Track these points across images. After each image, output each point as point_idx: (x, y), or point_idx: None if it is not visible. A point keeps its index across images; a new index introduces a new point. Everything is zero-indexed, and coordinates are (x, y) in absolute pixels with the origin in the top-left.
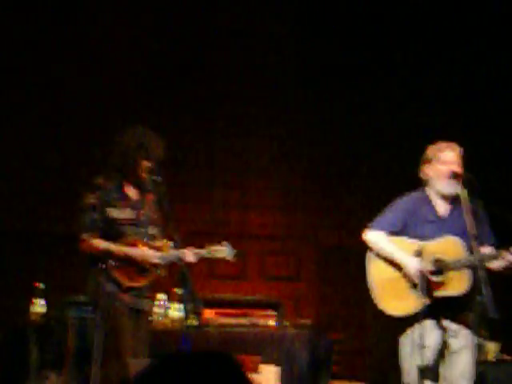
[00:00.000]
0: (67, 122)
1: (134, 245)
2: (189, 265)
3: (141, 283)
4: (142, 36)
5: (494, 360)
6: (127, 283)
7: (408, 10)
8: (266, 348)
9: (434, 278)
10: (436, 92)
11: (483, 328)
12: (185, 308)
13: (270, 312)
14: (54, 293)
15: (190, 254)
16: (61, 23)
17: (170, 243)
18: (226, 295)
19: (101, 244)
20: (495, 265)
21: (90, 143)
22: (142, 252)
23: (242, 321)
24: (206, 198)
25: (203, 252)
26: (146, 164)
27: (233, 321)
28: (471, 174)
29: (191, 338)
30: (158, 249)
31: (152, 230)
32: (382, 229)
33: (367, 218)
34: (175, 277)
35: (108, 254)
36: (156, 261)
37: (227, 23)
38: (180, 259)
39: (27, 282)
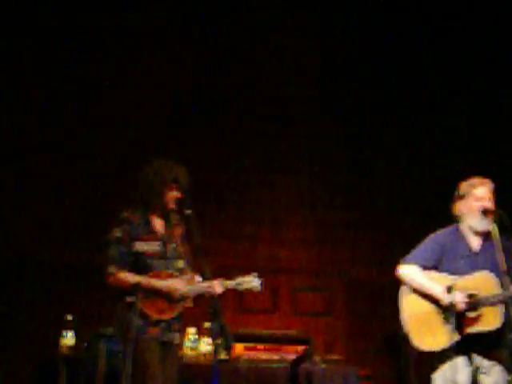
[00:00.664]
0: (96, 154)
1: (161, 278)
2: (219, 298)
3: (169, 316)
4: (169, 68)
5: None
6: (155, 316)
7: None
8: None
9: (467, 313)
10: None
11: None
12: (214, 342)
13: (301, 347)
14: (84, 325)
15: (217, 285)
16: (94, 55)
17: (198, 276)
18: (256, 330)
19: (128, 277)
20: None
21: (118, 175)
22: (170, 283)
23: (272, 356)
24: (236, 232)
25: (231, 283)
26: (172, 196)
27: (263, 356)
28: (502, 210)
29: (221, 372)
30: (185, 281)
31: (180, 264)
32: (415, 263)
33: (398, 254)
34: (206, 310)
35: (135, 287)
36: (183, 291)
37: (254, 57)
38: (208, 290)
39: (57, 314)
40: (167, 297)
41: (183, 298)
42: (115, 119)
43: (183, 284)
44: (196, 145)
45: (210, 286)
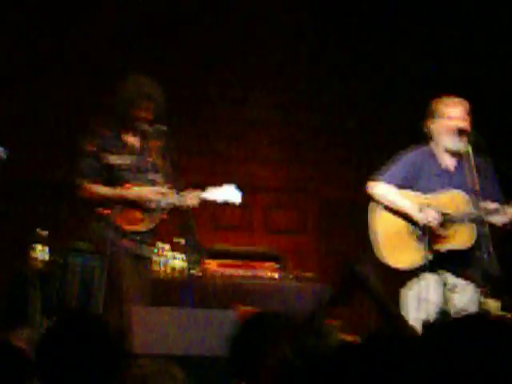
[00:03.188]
0: (66, 69)
1: (135, 191)
2: (192, 213)
3: (142, 227)
4: None
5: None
6: (128, 227)
7: None
8: (268, 301)
9: (439, 231)
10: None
11: (484, 284)
12: (188, 258)
13: (274, 264)
14: (57, 240)
15: (189, 197)
16: None
17: (172, 189)
18: (229, 246)
19: (98, 189)
20: (498, 220)
21: (89, 91)
22: (141, 192)
23: (246, 273)
24: (207, 149)
25: (204, 193)
26: (146, 110)
27: (236, 272)
28: (477, 131)
29: (194, 288)
30: (159, 192)
31: (153, 176)
32: (387, 181)
33: (371, 172)
34: (178, 226)
35: (107, 199)
36: (158, 199)
37: None
38: (180, 202)
39: (30, 230)
40: (141, 208)
41: (157, 208)
42: (91, 33)
43: (156, 194)
44: (169, 62)
45: (183, 199)
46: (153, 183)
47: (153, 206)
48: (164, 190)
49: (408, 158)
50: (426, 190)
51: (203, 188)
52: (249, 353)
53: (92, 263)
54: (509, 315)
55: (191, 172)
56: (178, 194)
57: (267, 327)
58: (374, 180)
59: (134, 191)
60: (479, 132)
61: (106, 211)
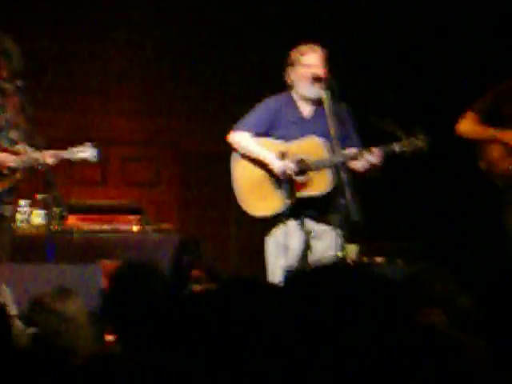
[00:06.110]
0: None
1: None
2: (51, 169)
3: (2, 187)
4: None
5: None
6: None
7: None
8: (128, 253)
9: (297, 178)
10: None
11: (344, 230)
12: (49, 212)
13: (133, 217)
14: None
15: (48, 156)
16: None
17: (28, 147)
18: (88, 201)
19: None
20: (357, 166)
21: None
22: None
23: (105, 226)
24: (66, 103)
25: (63, 153)
26: (5, 69)
27: (96, 226)
28: (334, 77)
29: (55, 244)
30: (15, 153)
31: (12, 134)
32: (246, 129)
33: (229, 122)
34: (39, 182)
35: None
36: (11, 164)
37: None
38: (38, 161)
39: None
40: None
41: (13, 170)
42: None
43: (12, 157)
44: (29, 16)
45: (40, 157)
46: (12, 141)
47: (4, 171)
48: (20, 148)
49: (266, 105)
50: (284, 138)
51: (60, 143)
52: (121, 305)
53: None
54: (365, 259)
55: (51, 127)
56: (37, 151)
57: (136, 277)
58: (234, 129)
59: None
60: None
61: None
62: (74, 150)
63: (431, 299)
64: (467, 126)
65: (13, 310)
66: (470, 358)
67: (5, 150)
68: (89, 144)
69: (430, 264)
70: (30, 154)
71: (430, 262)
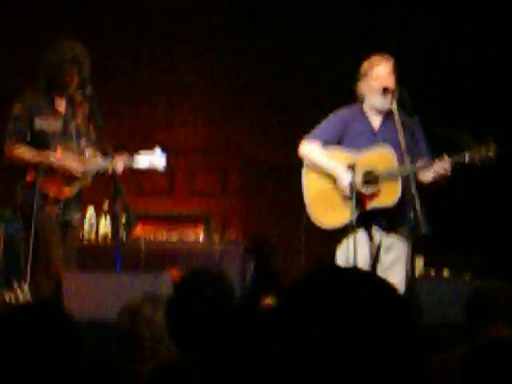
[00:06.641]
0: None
1: (60, 156)
2: (120, 177)
3: (67, 194)
4: None
5: (421, 274)
6: (53, 195)
7: None
8: (194, 263)
9: (364, 190)
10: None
11: (411, 241)
12: (118, 222)
13: (200, 227)
14: None
15: (118, 162)
16: None
17: (98, 154)
18: (154, 211)
19: (25, 153)
20: (427, 177)
21: (22, 55)
22: (68, 162)
23: (172, 236)
24: (133, 113)
25: (132, 159)
26: (72, 74)
27: (162, 236)
28: (403, 88)
29: (122, 253)
30: (84, 160)
31: (82, 142)
32: (316, 139)
33: (299, 134)
34: (108, 190)
35: (32, 164)
36: (80, 171)
37: None
38: (107, 168)
39: None
40: (66, 175)
41: (82, 176)
42: None
43: (81, 163)
44: (95, 27)
45: (110, 164)
46: (79, 148)
47: (75, 173)
48: (88, 155)
49: (337, 116)
50: (353, 149)
51: (128, 151)
52: (185, 314)
53: (16, 229)
54: (432, 272)
55: (117, 137)
56: (105, 158)
57: (201, 286)
58: (304, 139)
59: (56, 158)
60: (406, 89)
61: (31, 177)
62: (142, 157)
63: (497, 314)
64: None
65: None
66: None
67: (72, 156)
68: (158, 149)
69: (496, 279)
70: (100, 161)
71: (496, 276)
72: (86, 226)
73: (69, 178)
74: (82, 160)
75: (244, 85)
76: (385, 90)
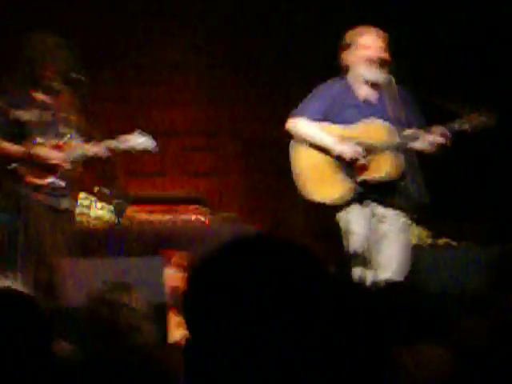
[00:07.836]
0: None
1: (44, 146)
2: (112, 162)
3: (53, 182)
4: None
5: (428, 245)
6: (36, 182)
7: None
8: (194, 243)
9: (360, 161)
10: None
11: (413, 213)
12: (113, 206)
13: (197, 207)
14: None
15: (95, 147)
16: None
17: (77, 141)
18: (148, 192)
19: (6, 146)
20: (422, 146)
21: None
22: (40, 151)
23: (170, 217)
24: (127, 95)
25: (111, 142)
26: (53, 66)
27: (161, 218)
28: (396, 60)
29: (120, 237)
30: (62, 147)
31: (63, 129)
32: (305, 115)
33: (285, 109)
34: (99, 174)
35: (11, 155)
36: (55, 161)
37: None
38: (96, 153)
39: None
40: (48, 164)
41: (65, 163)
42: None
43: (56, 153)
44: (79, 11)
45: (86, 150)
46: (62, 136)
47: (57, 162)
48: (72, 142)
49: (322, 91)
50: (344, 122)
51: (116, 135)
52: (199, 304)
53: (5, 219)
54: (441, 242)
55: (111, 119)
56: (92, 143)
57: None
58: (292, 116)
59: (35, 150)
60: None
61: (13, 167)
62: (122, 138)
63: None
64: None
65: None
66: None
67: (54, 146)
68: (137, 132)
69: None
70: (85, 147)
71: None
72: (78, 211)
73: (52, 166)
74: (63, 147)
75: (239, 63)
76: (380, 62)
